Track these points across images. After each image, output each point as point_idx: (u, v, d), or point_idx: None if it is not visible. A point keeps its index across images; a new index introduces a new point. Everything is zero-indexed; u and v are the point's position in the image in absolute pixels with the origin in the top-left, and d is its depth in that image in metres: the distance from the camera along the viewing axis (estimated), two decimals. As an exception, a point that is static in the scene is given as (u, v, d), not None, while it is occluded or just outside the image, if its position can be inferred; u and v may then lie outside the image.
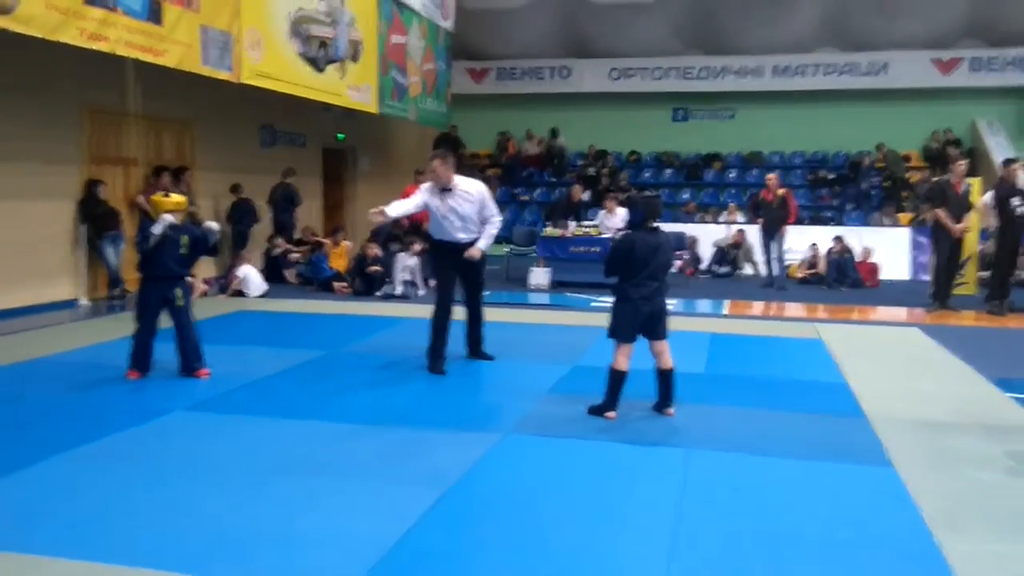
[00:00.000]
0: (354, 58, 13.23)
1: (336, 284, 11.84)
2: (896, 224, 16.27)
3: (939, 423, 5.47)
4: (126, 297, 10.29)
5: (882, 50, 19.46)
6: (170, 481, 4.20)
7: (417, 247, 11.41)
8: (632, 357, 5.40)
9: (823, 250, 13.78)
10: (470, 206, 6.73)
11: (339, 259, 12.60)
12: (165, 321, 6.36)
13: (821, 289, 12.97)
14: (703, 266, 14.86)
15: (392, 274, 11.44)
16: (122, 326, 7.57)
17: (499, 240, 9.77)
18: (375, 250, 11.83)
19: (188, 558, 3.34)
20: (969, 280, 12.10)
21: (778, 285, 12.82)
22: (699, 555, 3.47)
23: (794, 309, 10.94)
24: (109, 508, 3.86)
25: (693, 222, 16.86)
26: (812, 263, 13.90)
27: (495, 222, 6.85)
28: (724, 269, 14.70)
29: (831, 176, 19.69)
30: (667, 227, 8.47)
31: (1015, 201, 10.19)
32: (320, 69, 12.28)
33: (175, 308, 6.32)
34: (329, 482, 4.22)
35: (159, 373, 6.38)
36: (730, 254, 14.82)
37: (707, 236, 15.17)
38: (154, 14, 8.85)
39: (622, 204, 13.17)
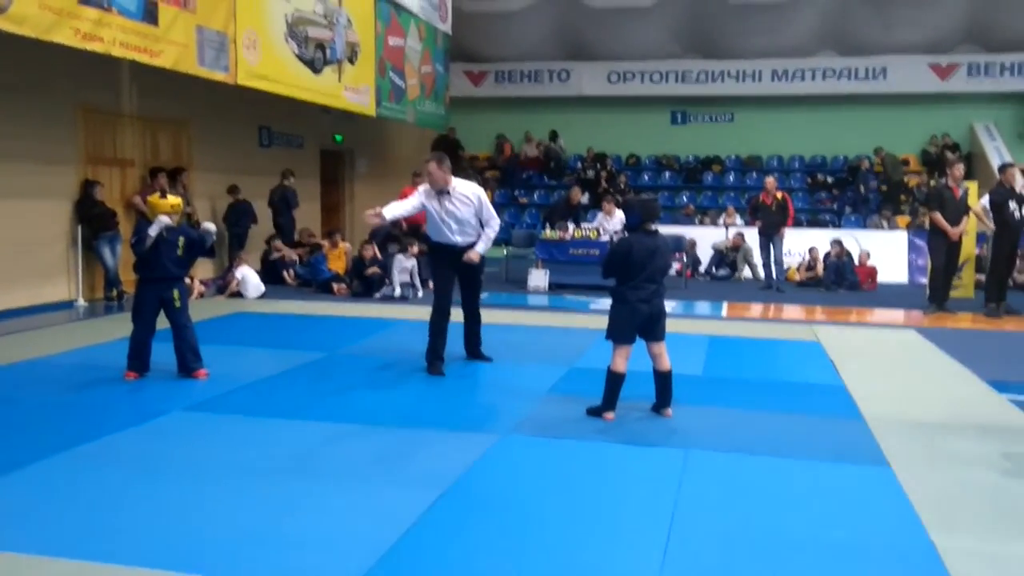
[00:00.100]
0: (351, 60, 13.24)
1: (334, 286, 11.84)
2: (894, 227, 16.31)
3: (935, 424, 5.48)
4: (123, 298, 10.29)
5: (880, 55, 19.52)
6: (168, 481, 4.20)
7: (415, 249, 11.42)
8: (630, 359, 5.40)
9: (821, 253, 13.80)
10: (467, 209, 6.73)
11: (337, 261, 12.60)
12: (163, 322, 6.36)
13: (819, 292, 12.98)
14: (702, 269, 14.89)
15: (390, 276, 11.45)
16: (119, 327, 7.57)
17: (498, 242, 9.79)
18: (373, 251, 11.83)
19: (186, 558, 3.34)
20: (966, 283, 12.13)
21: (776, 288, 12.83)
22: (696, 555, 3.47)
23: (792, 311, 10.95)
24: (108, 508, 3.86)
25: (692, 225, 16.89)
26: (810, 266, 13.92)
27: (493, 225, 6.86)
28: (723, 272, 14.72)
29: (830, 180, 19.73)
30: (666, 230, 8.49)
31: (1012, 205, 10.22)
32: (317, 71, 12.28)
33: (172, 309, 6.32)
34: (327, 483, 4.22)
35: (157, 374, 6.38)
36: (729, 257, 14.84)
37: (706, 239, 15.18)
38: (149, 14, 8.84)
39: (620, 206, 13.21)
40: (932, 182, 15.97)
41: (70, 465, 4.44)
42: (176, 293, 6.34)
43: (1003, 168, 10.81)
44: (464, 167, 18.78)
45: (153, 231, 6.21)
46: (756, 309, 11.33)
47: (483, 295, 7.17)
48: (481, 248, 6.80)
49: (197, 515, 3.78)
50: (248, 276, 11.29)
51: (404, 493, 4.07)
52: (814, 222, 17.84)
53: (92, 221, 10.34)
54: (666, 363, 5.47)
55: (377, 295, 11.37)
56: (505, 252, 14.11)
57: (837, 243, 13.62)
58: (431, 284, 7.19)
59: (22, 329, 8.47)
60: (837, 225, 17.64)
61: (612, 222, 12.96)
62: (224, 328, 8.81)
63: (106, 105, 10.91)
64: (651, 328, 5.41)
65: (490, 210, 6.86)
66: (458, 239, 6.76)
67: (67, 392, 5.98)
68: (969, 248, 11.96)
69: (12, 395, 5.88)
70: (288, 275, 12.70)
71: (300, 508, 3.89)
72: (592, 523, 3.79)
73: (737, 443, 4.97)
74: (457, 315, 6.95)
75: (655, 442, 4.99)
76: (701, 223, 17.35)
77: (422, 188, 6.87)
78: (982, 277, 11.69)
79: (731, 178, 20.60)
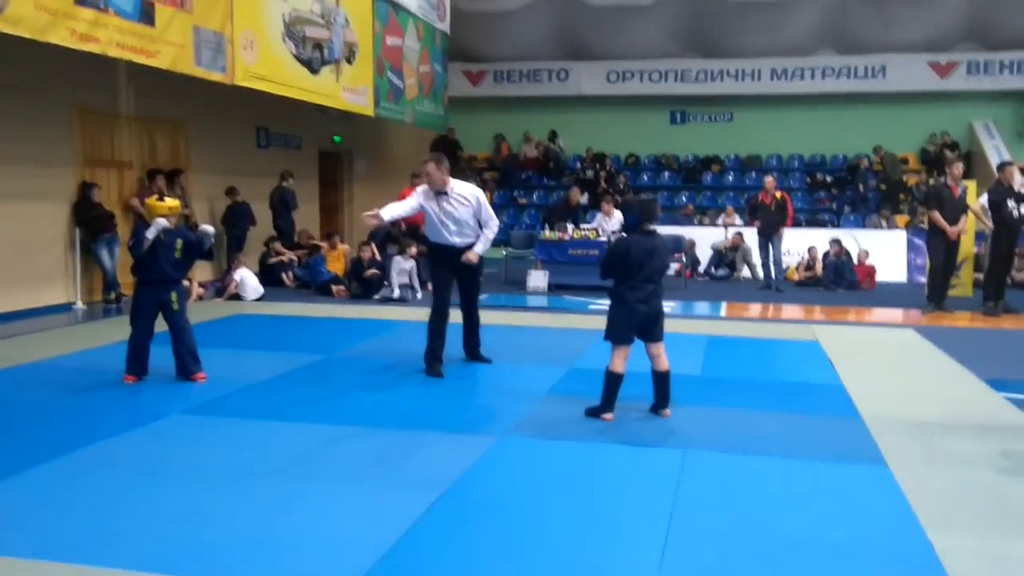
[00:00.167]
0: (349, 60, 13.23)
1: (333, 287, 11.84)
2: (893, 227, 16.31)
3: (933, 423, 5.48)
4: (122, 301, 10.28)
5: (880, 53, 19.53)
6: (167, 485, 4.19)
7: (414, 250, 11.42)
8: (629, 359, 5.40)
9: (820, 252, 13.80)
10: (465, 210, 6.73)
11: (336, 262, 12.60)
12: (162, 324, 6.36)
13: (818, 291, 12.98)
14: (701, 269, 14.89)
15: (389, 277, 11.45)
16: (118, 330, 7.57)
17: (497, 243, 9.78)
18: (372, 253, 11.83)
19: (185, 561, 3.34)
20: (965, 282, 12.13)
21: (775, 287, 12.83)
22: (695, 555, 3.47)
23: (791, 311, 10.95)
24: (106, 512, 3.85)
25: (691, 225, 16.88)
26: (809, 265, 13.92)
27: (492, 226, 6.85)
28: (722, 272, 14.72)
29: (829, 179, 19.73)
30: (665, 230, 8.50)
31: (1010, 203, 10.22)
32: (315, 71, 12.27)
33: (171, 312, 6.31)
34: (326, 485, 4.22)
35: (155, 377, 6.37)
36: (728, 257, 14.84)
37: (705, 239, 15.19)
38: (146, 15, 8.82)
39: (618, 207, 13.21)
40: (931, 181, 15.99)
41: (68, 469, 4.44)
42: (174, 296, 6.33)
43: (1002, 166, 10.82)
44: (463, 168, 18.78)
45: (151, 234, 6.19)
46: (755, 309, 11.33)
47: (482, 296, 7.17)
48: (480, 249, 6.79)
49: (196, 518, 3.78)
50: (247, 278, 11.29)
51: (403, 494, 4.07)
52: (813, 221, 17.85)
53: (90, 223, 10.34)
54: (664, 363, 5.47)
55: (376, 297, 11.36)
56: (504, 253, 14.11)
57: (836, 242, 13.63)
58: (430, 285, 7.19)
59: (20, 332, 8.46)
60: (836, 224, 17.65)
61: (611, 222, 12.96)
62: (223, 330, 8.81)
63: (103, 106, 10.90)
64: (649, 328, 5.41)
65: (489, 211, 6.85)
66: (457, 240, 6.76)
67: (65, 395, 5.97)
68: (968, 247, 11.96)
69: (10, 399, 5.88)
70: (287, 277, 12.70)
71: (299, 510, 3.89)
72: (591, 523, 3.79)
73: (735, 443, 4.97)
74: (456, 316, 6.95)
75: (653, 442, 5.00)
76: (700, 223, 17.35)
77: (420, 189, 6.87)
78: (980, 276, 11.69)
79: (730, 178, 20.61)
